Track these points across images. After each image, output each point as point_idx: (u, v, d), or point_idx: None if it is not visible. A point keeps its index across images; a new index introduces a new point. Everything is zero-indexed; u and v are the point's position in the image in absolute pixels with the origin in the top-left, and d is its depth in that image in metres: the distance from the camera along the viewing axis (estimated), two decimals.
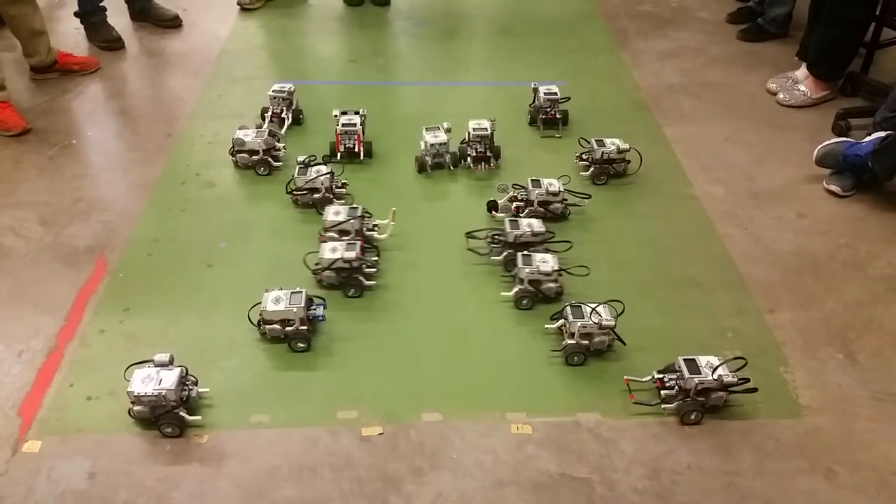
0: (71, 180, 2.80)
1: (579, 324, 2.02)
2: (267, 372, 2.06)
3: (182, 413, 1.85)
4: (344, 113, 2.89)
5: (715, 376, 1.89)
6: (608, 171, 2.80)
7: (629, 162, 2.83)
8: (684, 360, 1.94)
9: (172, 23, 3.98)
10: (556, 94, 3.09)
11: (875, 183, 2.78)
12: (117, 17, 3.90)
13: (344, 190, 2.67)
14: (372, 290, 2.30)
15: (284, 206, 2.66)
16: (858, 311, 2.28)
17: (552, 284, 2.23)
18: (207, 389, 1.96)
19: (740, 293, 2.34)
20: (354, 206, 2.45)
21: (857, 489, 1.78)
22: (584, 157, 2.86)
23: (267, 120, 3.04)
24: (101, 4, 3.76)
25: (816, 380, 2.05)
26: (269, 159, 2.82)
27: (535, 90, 3.13)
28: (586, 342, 2.05)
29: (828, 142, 2.82)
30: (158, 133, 3.11)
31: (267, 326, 2.08)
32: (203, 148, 3.00)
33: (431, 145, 2.78)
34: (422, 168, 2.78)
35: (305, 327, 2.08)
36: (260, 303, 2.08)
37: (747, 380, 1.92)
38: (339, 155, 2.88)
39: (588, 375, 2.05)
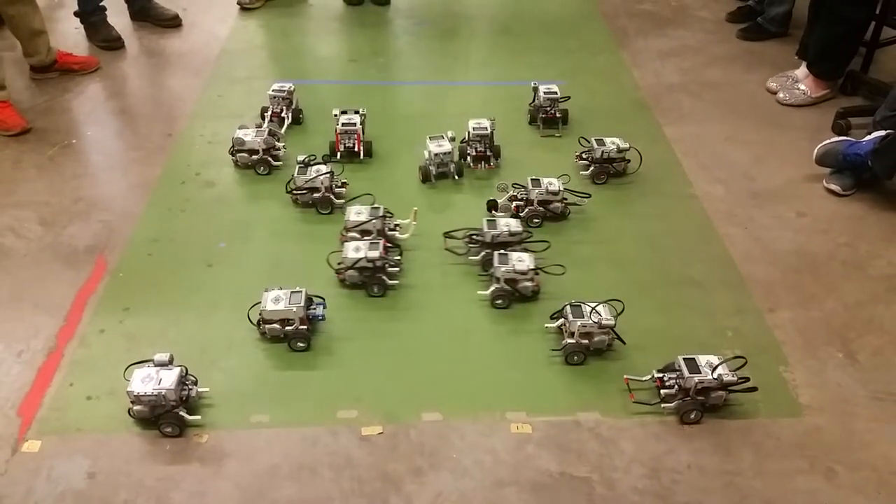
0: (71, 180, 2.80)
1: (579, 323, 2.03)
2: (267, 371, 2.06)
3: (182, 413, 1.85)
4: (344, 112, 2.89)
5: (715, 375, 1.89)
6: (608, 170, 2.80)
7: (629, 161, 2.83)
8: (684, 359, 1.94)
9: (172, 22, 3.98)
10: (555, 93, 3.09)
11: (875, 182, 2.77)
12: (117, 16, 3.90)
13: (344, 189, 2.67)
14: (395, 289, 2.30)
15: (284, 206, 2.66)
16: (858, 311, 2.28)
17: (528, 283, 2.23)
18: (207, 389, 1.96)
19: (740, 292, 2.34)
20: (376, 205, 2.44)
21: (857, 489, 1.78)
22: (583, 156, 2.85)
23: (267, 119, 3.04)
24: (101, 4, 3.76)
25: (816, 379, 2.05)
26: (269, 159, 2.82)
27: (535, 89, 3.13)
28: (586, 341, 2.05)
29: (828, 141, 2.82)
30: (158, 133, 3.11)
31: (267, 326, 2.08)
32: (203, 147, 3.00)
33: (435, 154, 2.73)
34: (426, 178, 2.75)
35: (305, 327, 2.08)
36: (259, 302, 2.08)
37: (747, 379, 1.92)
38: (338, 154, 2.87)
39: (588, 375, 2.05)
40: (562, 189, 2.57)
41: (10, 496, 1.73)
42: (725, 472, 1.81)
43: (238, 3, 4.18)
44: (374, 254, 2.23)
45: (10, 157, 2.92)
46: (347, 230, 2.41)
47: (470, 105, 3.34)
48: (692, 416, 1.91)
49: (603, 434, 1.89)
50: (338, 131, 2.86)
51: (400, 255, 2.38)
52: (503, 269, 2.20)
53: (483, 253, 2.35)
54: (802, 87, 3.34)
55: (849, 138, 2.81)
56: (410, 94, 3.55)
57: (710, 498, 1.76)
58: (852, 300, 2.31)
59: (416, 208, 2.43)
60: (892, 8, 3.25)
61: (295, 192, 2.63)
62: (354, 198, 2.60)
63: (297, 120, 3.12)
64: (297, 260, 2.44)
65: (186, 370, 1.93)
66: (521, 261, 2.22)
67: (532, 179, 2.57)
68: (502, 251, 2.27)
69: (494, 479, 1.78)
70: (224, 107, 3.29)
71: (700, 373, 1.89)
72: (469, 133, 2.84)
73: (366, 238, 2.35)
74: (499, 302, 2.24)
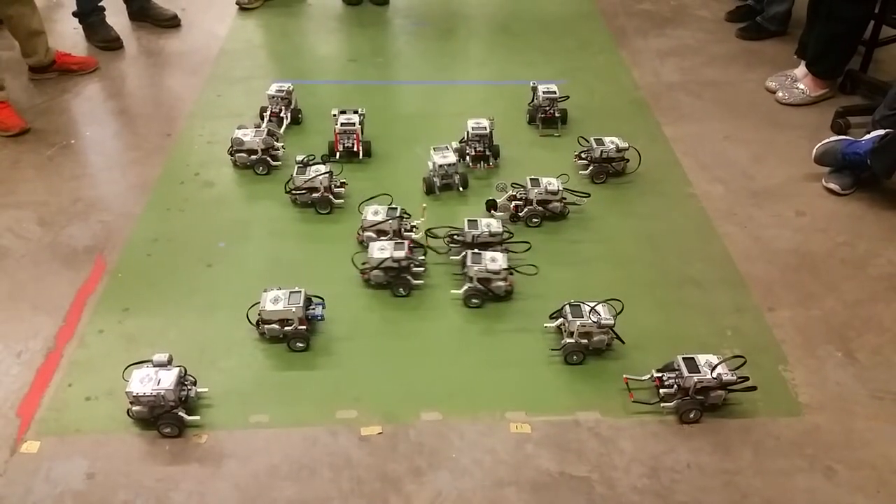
0: (70, 180, 2.80)
1: (578, 322, 2.02)
2: (266, 372, 2.06)
3: (181, 413, 1.85)
4: (343, 112, 2.89)
5: (714, 375, 1.89)
6: (607, 169, 2.80)
7: (628, 161, 2.83)
8: (683, 358, 1.94)
9: (171, 22, 3.98)
10: (554, 92, 3.08)
11: (874, 181, 2.77)
12: (116, 16, 3.90)
13: (343, 189, 2.67)
14: (420, 288, 2.30)
15: (283, 206, 2.66)
16: (858, 310, 2.28)
17: (501, 283, 2.23)
18: (206, 389, 1.96)
19: (739, 291, 2.34)
20: (393, 205, 2.44)
21: (857, 487, 1.78)
22: (583, 155, 2.85)
23: (266, 119, 3.04)
24: (100, 4, 3.76)
25: (816, 378, 2.05)
26: (268, 159, 2.81)
27: (534, 89, 3.13)
28: (585, 341, 2.05)
29: (827, 140, 2.82)
30: (157, 133, 3.11)
31: (266, 326, 2.08)
32: (202, 147, 3.00)
33: (440, 166, 2.70)
34: (430, 190, 2.71)
35: (304, 327, 2.08)
36: (259, 302, 2.08)
37: (746, 378, 1.92)
38: (337, 154, 2.87)
39: (587, 374, 2.05)
40: (561, 189, 2.56)
41: (9, 497, 1.73)
42: (725, 472, 1.81)
43: (237, 3, 4.18)
44: (400, 254, 2.23)
45: (9, 158, 2.92)
46: (364, 229, 2.41)
47: (469, 104, 3.34)
48: (691, 415, 1.91)
49: (602, 433, 1.89)
50: (337, 131, 2.86)
51: (424, 254, 2.38)
52: (476, 268, 2.20)
53: (464, 253, 2.35)
54: (801, 86, 3.34)
55: (848, 137, 2.81)
56: (409, 94, 3.55)
57: (710, 497, 1.76)
58: (852, 299, 2.31)
59: (424, 205, 2.43)
60: (891, 7, 3.25)
61: (294, 192, 2.62)
62: (371, 197, 2.59)
63: (295, 120, 3.12)
64: (297, 260, 2.43)
65: (185, 370, 1.92)
66: (494, 260, 2.22)
67: (531, 179, 2.57)
68: (475, 251, 2.27)
69: (494, 478, 1.78)
70: (223, 107, 3.29)
71: (699, 372, 1.89)
72: (468, 133, 2.84)
73: (383, 238, 2.35)
74: (473, 301, 2.23)
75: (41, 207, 2.65)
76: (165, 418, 1.84)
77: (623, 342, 2.09)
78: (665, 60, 3.72)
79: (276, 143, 2.85)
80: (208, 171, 2.85)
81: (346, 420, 1.91)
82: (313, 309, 2.12)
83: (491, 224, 2.38)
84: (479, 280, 2.22)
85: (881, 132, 2.70)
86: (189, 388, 1.91)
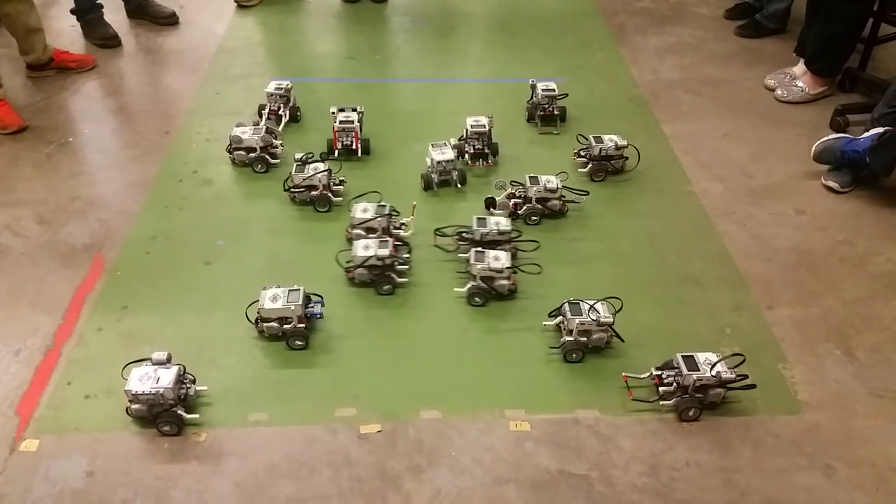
0: (68, 178, 2.79)
1: (577, 321, 2.02)
2: (265, 370, 2.06)
3: (180, 411, 1.85)
4: (341, 110, 2.89)
5: (713, 373, 1.89)
6: (606, 167, 2.80)
7: (627, 158, 2.83)
8: (682, 356, 1.94)
9: (169, 20, 3.97)
10: (554, 90, 3.08)
11: (873, 179, 2.78)
12: (114, 14, 3.89)
13: (341, 187, 2.67)
14: (404, 287, 2.30)
15: (282, 204, 2.66)
16: (857, 308, 2.28)
17: (505, 281, 2.22)
18: (205, 387, 1.96)
19: (739, 290, 2.34)
20: (382, 203, 2.44)
21: (856, 485, 1.79)
22: (582, 153, 2.85)
23: (264, 117, 3.03)
24: (98, 2, 3.76)
25: (815, 376, 2.06)
26: (267, 157, 2.81)
27: (533, 87, 3.13)
28: (584, 339, 2.05)
29: (826, 138, 2.82)
30: (155, 130, 3.10)
31: (265, 324, 2.08)
32: (200, 145, 3.00)
33: (438, 162, 2.70)
34: (428, 186, 2.71)
35: (303, 325, 2.08)
36: (258, 300, 2.08)
37: (746, 376, 1.92)
38: (336, 152, 2.87)
39: (586, 372, 2.05)
40: (560, 186, 2.56)
41: (9, 495, 1.72)
42: (724, 470, 1.81)
43: (235, 1, 4.17)
44: (384, 252, 2.23)
45: (7, 156, 2.91)
46: (353, 227, 2.41)
47: (468, 102, 3.34)
48: (691, 413, 1.91)
49: (602, 431, 1.89)
50: (335, 129, 2.85)
51: (409, 252, 2.38)
52: (479, 266, 2.20)
53: (473, 251, 2.35)
54: (800, 83, 3.34)
55: (847, 135, 2.81)
56: (408, 92, 3.55)
57: (709, 495, 1.76)
58: (851, 297, 2.31)
59: (414, 203, 2.42)
60: (890, 4, 3.25)
61: (293, 189, 2.62)
62: (361, 195, 2.59)
63: (294, 117, 3.12)
64: (296, 258, 2.43)
65: (184, 368, 1.92)
66: (498, 259, 2.22)
67: (530, 177, 2.57)
68: (479, 249, 2.27)
69: (493, 476, 1.78)
70: (221, 104, 3.28)
71: (699, 370, 1.89)
72: (467, 130, 2.83)
73: (371, 235, 2.35)
74: (476, 300, 2.23)
75: (39, 205, 2.64)
76: (164, 416, 1.84)
77: (622, 340, 2.09)
78: (664, 58, 3.72)
79: (274, 140, 2.85)
80: (207, 169, 2.85)
81: (345, 418, 1.91)
82: (312, 307, 2.12)
83: (500, 222, 2.37)
84: (482, 278, 2.22)
85: (880, 130, 2.70)
86: (188, 386, 1.91)
